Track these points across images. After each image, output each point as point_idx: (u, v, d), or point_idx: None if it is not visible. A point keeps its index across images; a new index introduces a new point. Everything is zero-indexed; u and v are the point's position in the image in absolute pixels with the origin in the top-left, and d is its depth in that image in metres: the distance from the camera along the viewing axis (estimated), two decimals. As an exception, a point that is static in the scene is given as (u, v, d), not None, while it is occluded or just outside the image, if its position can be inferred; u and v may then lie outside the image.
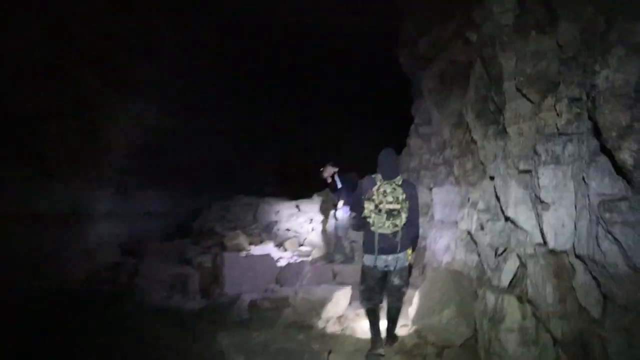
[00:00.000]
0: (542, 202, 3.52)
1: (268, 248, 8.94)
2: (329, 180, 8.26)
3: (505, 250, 4.32)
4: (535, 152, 3.66)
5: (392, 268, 4.25)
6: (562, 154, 3.41)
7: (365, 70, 16.60)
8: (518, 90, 4.07)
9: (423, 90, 8.19)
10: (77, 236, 8.34)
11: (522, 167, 3.98)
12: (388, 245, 4.16)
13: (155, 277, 7.90)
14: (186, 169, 13.42)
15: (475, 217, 5.01)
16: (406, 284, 4.53)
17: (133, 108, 10.60)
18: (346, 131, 18.57)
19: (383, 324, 4.55)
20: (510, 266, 4.11)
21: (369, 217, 4.16)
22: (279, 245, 9.44)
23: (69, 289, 6.85)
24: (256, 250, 8.80)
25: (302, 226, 10.00)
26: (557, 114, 3.52)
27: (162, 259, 9.49)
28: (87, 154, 8.74)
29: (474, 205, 5.18)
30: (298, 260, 8.05)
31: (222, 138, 14.90)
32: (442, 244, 6.93)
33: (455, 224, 6.52)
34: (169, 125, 12.27)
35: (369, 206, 4.16)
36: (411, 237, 4.38)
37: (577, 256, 3.16)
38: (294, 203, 11.45)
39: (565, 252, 3.36)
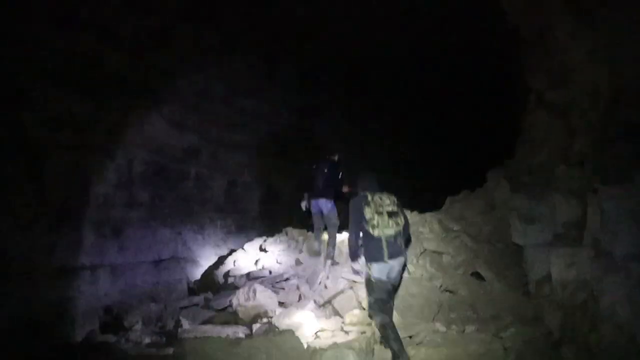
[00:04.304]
0: None
1: (302, 314, 5.38)
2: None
3: None
4: None
5: (392, 274, 4.49)
6: None
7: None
8: None
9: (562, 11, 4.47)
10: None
11: None
12: (393, 249, 4.39)
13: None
14: (219, 201, 10.35)
15: None
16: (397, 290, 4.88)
17: (128, 119, 7.75)
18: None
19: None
20: None
21: (373, 219, 4.40)
22: (324, 305, 5.88)
23: None
24: (281, 316, 5.30)
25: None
26: None
27: (155, 330, 6.33)
28: (25, 179, 5.85)
29: None
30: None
31: (267, 158, 11.77)
32: None
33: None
34: (187, 143, 9.34)
35: (369, 210, 4.44)
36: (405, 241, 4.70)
37: None
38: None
39: None
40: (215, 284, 7.92)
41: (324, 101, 13.58)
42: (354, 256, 4.75)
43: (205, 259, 9.64)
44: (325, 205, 7.12)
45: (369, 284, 4.51)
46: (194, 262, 9.38)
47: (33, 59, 6.09)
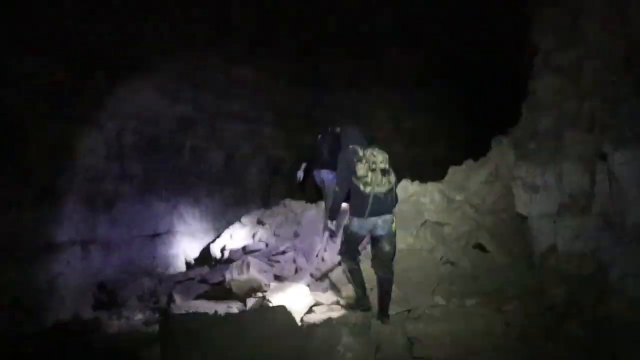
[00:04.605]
0: None
1: (297, 288, 5.17)
2: None
3: None
4: None
5: (381, 232, 4.39)
6: None
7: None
8: None
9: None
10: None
11: None
12: (380, 206, 4.33)
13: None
14: (216, 173, 10.12)
15: None
16: (395, 252, 4.59)
17: (115, 88, 7.47)
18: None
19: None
20: None
21: (365, 176, 4.29)
22: (321, 278, 5.69)
23: None
24: (275, 290, 5.10)
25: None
26: None
27: (149, 305, 6.20)
28: (4, 152, 5.63)
29: None
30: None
31: (267, 129, 11.49)
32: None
33: None
34: (181, 113, 9.06)
35: (363, 167, 4.30)
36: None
37: None
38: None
39: None
40: (212, 258, 7.77)
41: (325, 72, 13.18)
42: (332, 215, 4.78)
43: (203, 233, 9.48)
44: (327, 176, 6.92)
45: (346, 234, 4.57)
46: (192, 235, 9.21)
47: (9, 26, 5.78)
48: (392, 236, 4.47)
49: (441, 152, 14.51)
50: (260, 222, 8.16)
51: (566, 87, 4.96)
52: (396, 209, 4.62)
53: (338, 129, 7.37)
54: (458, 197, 6.35)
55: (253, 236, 7.74)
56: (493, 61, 11.95)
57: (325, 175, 6.92)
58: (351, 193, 4.47)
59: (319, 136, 7.30)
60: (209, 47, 9.57)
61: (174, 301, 5.63)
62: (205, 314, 4.16)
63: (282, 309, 4.34)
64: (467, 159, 7.70)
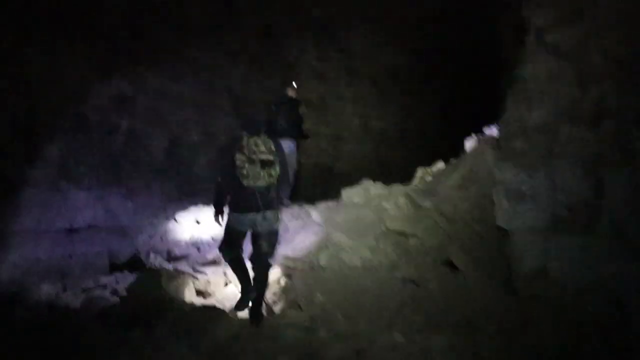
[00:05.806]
0: None
1: (221, 309, 4.07)
2: None
3: None
4: None
5: (260, 229, 4.04)
6: None
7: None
8: None
9: None
10: None
11: None
12: (259, 202, 3.96)
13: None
14: (157, 162, 8.89)
15: None
16: (274, 252, 4.29)
17: (25, 48, 6.21)
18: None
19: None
20: None
21: (242, 168, 3.92)
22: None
23: None
24: (194, 312, 3.97)
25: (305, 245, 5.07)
26: None
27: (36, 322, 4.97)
28: None
29: None
30: None
31: (220, 113, 10.29)
32: None
33: None
34: (116, 90, 7.82)
35: (241, 157, 3.92)
36: (283, 193, 4.40)
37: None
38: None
39: None
40: (137, 262, 6.60)
41: (288, 60, 12.02)
42: (217, 211, 4.22)
43: (136, 230, 8.25)
44: (289, 145, 6.61)
45: (226, 230, 4.18)
46: (121, 232, 7.97)
47: None
48: (272, 234, 4.16)
49: (412, 152, 13.61)
50: (198, 222, 7.00)
51: (565, 71, 4.01)
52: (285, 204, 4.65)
53: (293, 92, 7.27)
54: (426, 204, 5.33)
55: (188, 238, 6.59)
56: (473, 46, 11.03)
57: (287, 145, 6.47)
58: (232, 186, 4.04)
59: (273, 106, 7.09)
60: (155, 17, 8.37)
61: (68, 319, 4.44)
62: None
63: (194, 340, 3.25)
64: (438, 158, 6.77)
